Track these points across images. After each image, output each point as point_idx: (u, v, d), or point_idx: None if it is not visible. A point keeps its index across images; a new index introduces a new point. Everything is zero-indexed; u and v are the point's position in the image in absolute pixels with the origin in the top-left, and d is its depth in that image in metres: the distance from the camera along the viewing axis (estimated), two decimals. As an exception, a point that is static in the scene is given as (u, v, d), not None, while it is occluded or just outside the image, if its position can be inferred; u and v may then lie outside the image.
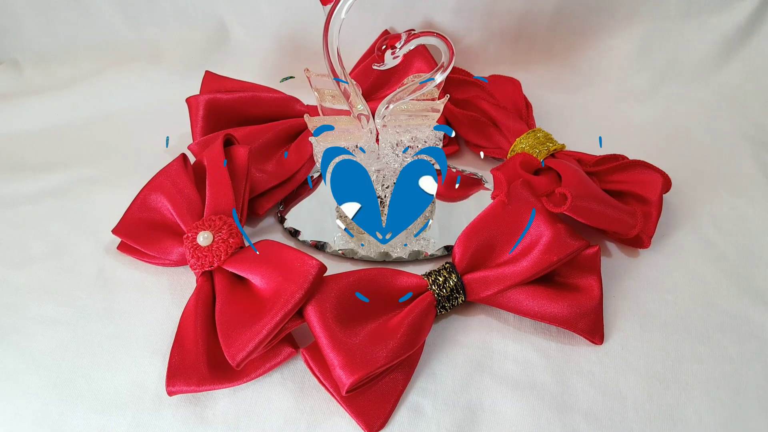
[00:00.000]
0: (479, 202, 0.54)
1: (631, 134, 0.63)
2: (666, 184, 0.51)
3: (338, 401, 0.40)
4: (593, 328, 0.43)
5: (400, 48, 0.41)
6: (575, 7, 0.66)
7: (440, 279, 0.43)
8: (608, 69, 0.69)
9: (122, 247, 0.50)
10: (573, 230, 0.44)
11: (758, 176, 0.58)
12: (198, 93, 0.58)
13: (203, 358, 0.41)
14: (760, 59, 0.67)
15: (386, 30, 0.66)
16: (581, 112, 0.66)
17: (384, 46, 0.41)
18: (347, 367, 0.38)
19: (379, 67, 0.42)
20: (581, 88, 0.69)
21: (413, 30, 0.66)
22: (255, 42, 0.70)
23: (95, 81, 0.69)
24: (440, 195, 0.55)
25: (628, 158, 0.51)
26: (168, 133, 0.63)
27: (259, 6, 0.68)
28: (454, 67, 0.59)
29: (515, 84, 0.60)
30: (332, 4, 0.39)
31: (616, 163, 0.51)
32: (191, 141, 0.57)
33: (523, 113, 0.58)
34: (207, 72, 0.59)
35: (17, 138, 0.64)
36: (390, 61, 0.41)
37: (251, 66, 0.70)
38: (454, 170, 0.58)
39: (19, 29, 0.70)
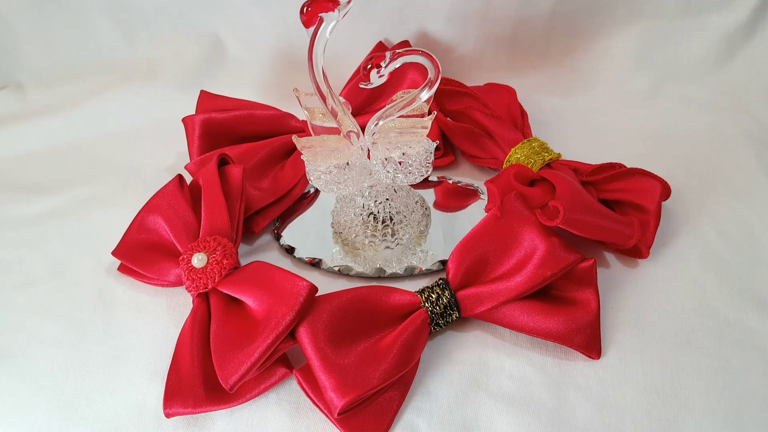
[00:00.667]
0: (475, 214, 0.54)
1: (631, 137, 0.62)
2: (665, 191, 0.50)
3: (333, 422, 0.40)
4: (590, 343, 0.42)
5: (385, 67, 0.40)
6: (571, 8, 0.65)
7: (433, 296, 0.43)
8: (607, 71, 0.68)
9: (122, 269, 0.51)
10: (568, 243, 0.44)
11: (761, 177, 0.56)
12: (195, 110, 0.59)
13: (200, 380, 0.41)
14: (763, 57, 0.66)
15: (380, 42, 0.66)
16: (580, 116, 0.65)
17: (369, 66, 0.41)
18: (339, 389, 0.38)
19: (365, 86, 0.42)
20: (580, 92, 0.68)
21: (407, 41, 0.67)
22: (251, 56, 0.70)
23: (95, 100, 0.70)
24: (436, 207, 0.55)
25: (625, 166, 0.50)
26: (166, 151, 0.64)
27: (254, 20, 0.68)
28: (446, 79, 0.59)
29: (510, 92, 0.60)
30: (315, 26, 0.39)
31: (613, 171, 0.50)
32: (189, 160, 0.57)
33: (518, 122, 0.57)
34: (202, 91, 0.60)
35: (21, 160, 0.65)
36: (376, 80, 0.41)
37: (248, 80, 0.71)
38: (450, 181, 0.57)
39: (20, 51, 0.71)
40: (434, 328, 0.43)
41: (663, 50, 0.67)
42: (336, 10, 0.38)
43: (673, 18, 0.66)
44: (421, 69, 0.60)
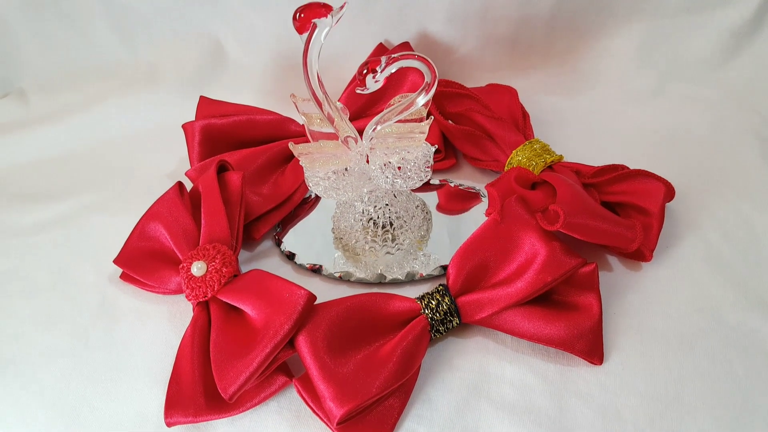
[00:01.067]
0: (477, 217, 0.53)
1: (635, 137, 0.61)
2: (669, 193, 0.49)
3: (333, 431, 0.40)
4: (592, 349, 0.42)
5: (381, 72, 0.40)
6: (572, 7, 0.64)
7: (433, 302, 0.43)
8: (609, 70, 0.67)
9: (125, 277, 0.51)
10: (569, 247, 0.43)
11: (767, 176, 0.55)
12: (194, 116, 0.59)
13: (200, 389, 0.41)
14: (768, 53, 0.65)
15: (381, 43, 0.66)
16: (582, 116, 0.64)
17: (365, 71, 0.40)
18: (338, 399, 0.38)
19: (362, 91, 0.41)
20: (582, 92, 0.67)
21: (407, 43, 0.66)
22: (251, 59, 0.70)
23: (97, 106, 0.70)
24: (438, 210, 0.54)
25: (628, 168, 0.50)
26: (168, 156, 0.64)
27: (254, 23, 0.68)
28: (446, 81, 0.58)
29: (512, 93, 0.59)
30: (308, 32, 0.39)
31: (616, 173, 0.49)
32: (190, 166, 0.57)
33: (519, 123, 0.56)
34: (201, 97, 0.60)
35: (24, 167, 0.65)
36: (372, 85, 0.41)
37: (249, 83, 0.71)
38: (452, 185, 0.57)
39: (22, 58, 0.72)
40: (434, 335, 0.43)
41: (665, 48, 0.66)
42: (329, 16, 0.38)
43: (675, 15, 0.65)
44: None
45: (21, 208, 0.60)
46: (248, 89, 0.70)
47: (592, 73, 0.68)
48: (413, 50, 0.65)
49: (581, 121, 0.64)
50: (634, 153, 0.59)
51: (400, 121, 0.45)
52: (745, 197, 0.54)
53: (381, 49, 0.65)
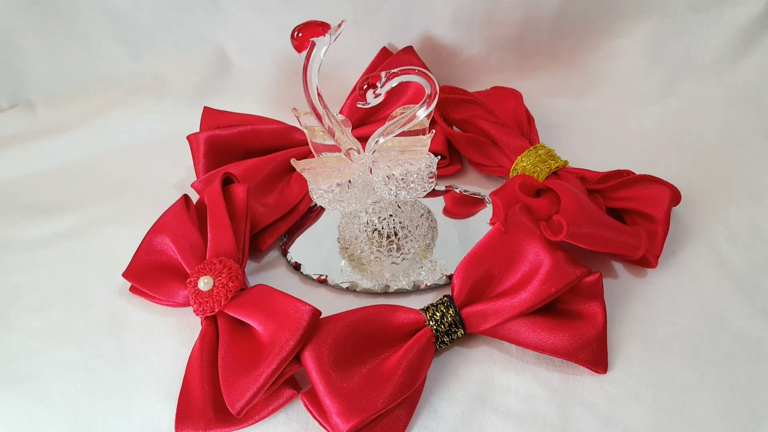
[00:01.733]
0: (483, 224, 0.53)
1: (642, 139, 0.61)
2: (674, 197, 0.49)
3: (339, 443, 0.40)
4: (596, 358, 0.42)
5: (381, 87, 0.40)
6: (578, 8, 0.63)
7: (438, 314, 0.43)
8: (616, 71, 0.66)
9: (134, 289, 0.52)
10: (573, 256, 0.43)
11: (777, 179, 0.55)
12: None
13: (210, 402, 0.42)
14: (779, 52, 0.64)
15: (384, 47, 0.65)
16: (589, 118, 0.64)
17: (365, 86, 0.40)
18: (344, 414, 0.38)
19: (363, 105, 0.41)
20: (589, 93, 0.66)
21: (410, 47, 0.66)
22: (256, 67, 0.70)
23: (104, 117, 0.71)
24: (445, 214, 0.54)
25: (633, 173, 0.49)
26: (175, 166, 0.64)
27: (257, 32, 0.67)
28: (450, 87, 0.58)
29: (517, 96, 0.59)
30: (307, 49, 0.39)
31: (621, 179, 0.49)
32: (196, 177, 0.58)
33: (524, 128, 0.56)
34: (205, 108, 0.60)
35: (32, 179, 0.66)
36: (372, 100, 0.41)
37: (254, 91, 0.71)
38: (457, 191, 0.57)
39: (29, 70, 0.72)
40: (439, 346, 0.43)
41: (673, 48, 0.65)
42: (327, 35, 0.38)
43: (683, 14, 0.64)
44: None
45: (29, 221, 0.61)
46: (253, 97, 0.70)
47: (599, 75, 0.67)
48: (417, 54, 0.64)
49: (588, 123, 0.63)
50: (641, 155, 0.58)
51: (402, 133, 0.45)
52: (753, 200, 0.53)
53: (385, 53, 0.65)
